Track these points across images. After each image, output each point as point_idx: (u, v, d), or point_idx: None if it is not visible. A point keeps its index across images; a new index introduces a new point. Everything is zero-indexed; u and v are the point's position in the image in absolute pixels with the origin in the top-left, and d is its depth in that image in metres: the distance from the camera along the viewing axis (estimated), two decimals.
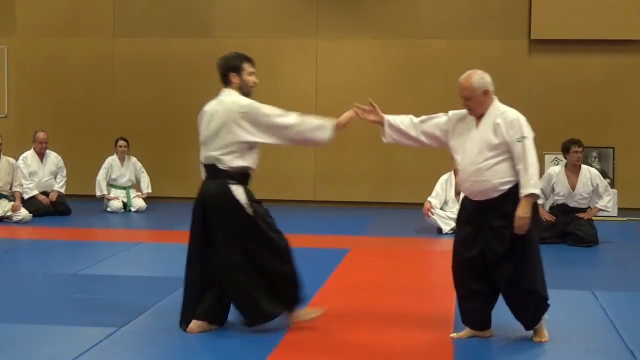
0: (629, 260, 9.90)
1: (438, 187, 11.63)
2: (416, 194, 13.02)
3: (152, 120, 14.74)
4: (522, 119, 6.14)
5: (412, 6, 14.23)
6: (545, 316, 6.05)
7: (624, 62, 13.88)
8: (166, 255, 9.69)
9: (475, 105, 6.24)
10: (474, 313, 6.08)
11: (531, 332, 6.06)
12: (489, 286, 6.02)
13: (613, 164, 13.61)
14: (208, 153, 6.48)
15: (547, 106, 13.89)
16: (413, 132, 6.50)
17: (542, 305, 6.03)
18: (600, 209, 10.73)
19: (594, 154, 13.60)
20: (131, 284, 7.91)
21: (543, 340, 6.00)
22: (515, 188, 5.88)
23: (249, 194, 6.33)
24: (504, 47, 14.00)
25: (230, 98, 6.62)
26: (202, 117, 6.70)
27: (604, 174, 13.39)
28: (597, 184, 10.66)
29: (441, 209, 11.50)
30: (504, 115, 6.14)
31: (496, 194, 5.92)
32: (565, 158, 10.81)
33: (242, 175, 6.38)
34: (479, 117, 6.21)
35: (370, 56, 14.32)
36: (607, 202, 10.68)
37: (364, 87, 14.23)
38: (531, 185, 5.82)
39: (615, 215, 13.06)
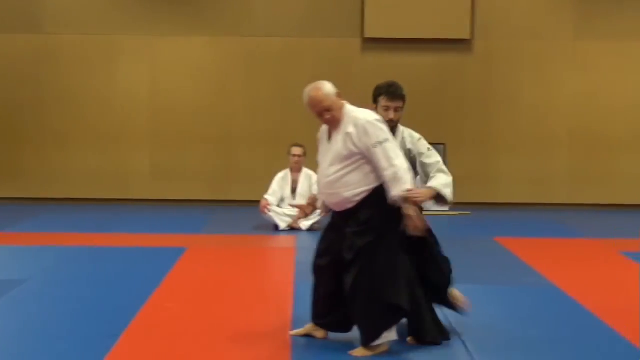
0: (459, 253, 10.10)
1: (274, 184, 11.68)
2: (253, 192, 13.02)
3: None
4: (373, 121, 5.93)
5: (246, 4, 14.20)
6: (392, 336, 5.76)
7: (453, 60, 14.26)
8: None
9: (337, 113, 5.96)
10: (322, 314, 6.01)
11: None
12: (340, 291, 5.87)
13: (444, 159, 13.92)
14: None
15: None
16: None
17: (385, 317, 5.74)
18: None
19: None
20: None
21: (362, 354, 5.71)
22: (371, 196, 5.74)
23: None
24: (338, 46, 14.15)
25: None
26: None
27: None
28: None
29: (278, 206, 11.55)
30: (355, 122, 5.90)
31: (350, 205, 5.79)
32: None
33: None
34: (335, 127, 5.94)
35: (206, 54, 14.22)
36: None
37: (200, 85, 14.14)
38: (402, 183, 5.68)
39: (446, 209, 13.39)
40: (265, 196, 11.51)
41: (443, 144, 14.00)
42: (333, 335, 6.03)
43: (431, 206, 11.22)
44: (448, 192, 6.22)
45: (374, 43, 14.17)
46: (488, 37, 14.21)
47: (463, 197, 13.98)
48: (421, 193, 6.00)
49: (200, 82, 14.16)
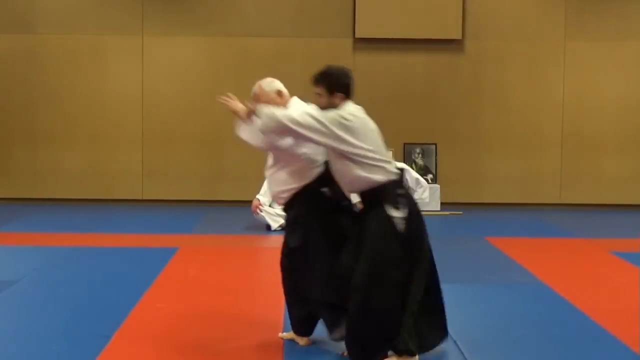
0: (450, 252, 10.17)
1: (266, 184, 11.67)
2: (244, 192, 13.03)
3: None
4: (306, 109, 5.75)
5: (237, 4, 14.20)
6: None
7: (444, 61, 14.28)
8: None
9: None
10: (293, 318, 6.05)
11: None
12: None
13: (435, 159, 13.99)
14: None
15: (371, 104, 13.97)
16: None
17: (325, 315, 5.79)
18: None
19: (418, 150, 13.96)
20: None
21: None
22: (296, 195, 5.80)
23: None
24: (330, 46, 14.15)
25: None
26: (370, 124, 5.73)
27: (427, 170, 13.78)
28: (407, 179, 10.90)
29: (270, 206, 11.55)
30: None
31: (281, 202, 5.96)
32: None
33: None
34: None
35: (197, 54, 14.22)
36: (422, 194, 10.92)
37: (191, 85, 14.13)
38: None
39: (438, 209, 13.44)
40: (257, 196, 11.51)
41: (434, 144, 14.04)
42: (325, 334, 6.05)
43: (426, 202, 11.30)
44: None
45: (365, 43, 14.19)
46: (479, 38, 14.24)
47: (454, 197, 14.09)
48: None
49: (191, 82, 14.14)
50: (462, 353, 5.76)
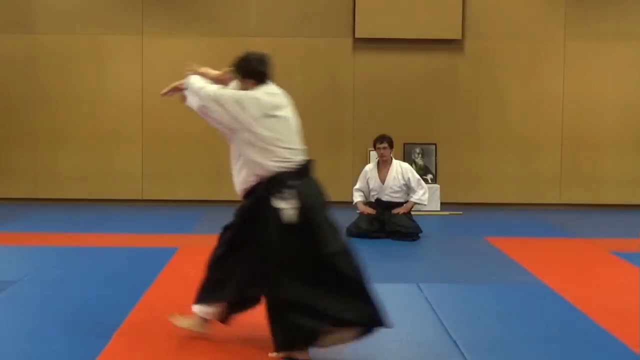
0: (450, 252, 10.20)
1: None
2: None
3: None
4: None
5: (237, 4, 14.21)
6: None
7: (444, 60, 14.29)
8: None
9: None
10: None
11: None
12: None
13: (435, 159, 14.00)
14: (299, 150, 5.80)
15: (371, 104, 14.17)
16: None
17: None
18: (416, 203, 11.01)
19: (417, 150, 13.97)
20: None
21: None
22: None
23: None
24: (330, 46, 14.17)
25: None
26: (283, 108, 5.82)
27: (427, 170, 13.78)
28: (409, 178, 10.96)
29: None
30: None
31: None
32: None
33: None
34: None
35: (197, 54, 14.18)
36: (422, 196, 10.96)
37: None
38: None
39: (438, 209, 13.45)
40: None
41: (434, 144, 14.05)
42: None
43: (425, 205, 11.35)
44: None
45: (365, 43, 14.20)
46: (479, 38, 14.25)
47: (454, 197, 14.10)
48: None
49: None
50: (462, 353, 5.76)
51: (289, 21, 14.21)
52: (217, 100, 5.65)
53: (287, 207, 5.49)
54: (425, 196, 11.06)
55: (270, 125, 5.60)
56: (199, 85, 5.82)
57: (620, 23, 14.27)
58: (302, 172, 5.70)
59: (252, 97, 5.64)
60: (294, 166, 5.64)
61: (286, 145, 5.63)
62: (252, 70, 5.81)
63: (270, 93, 5.77)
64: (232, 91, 5.73)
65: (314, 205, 5.61)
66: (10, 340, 6.00)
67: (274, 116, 5.65)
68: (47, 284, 7.88)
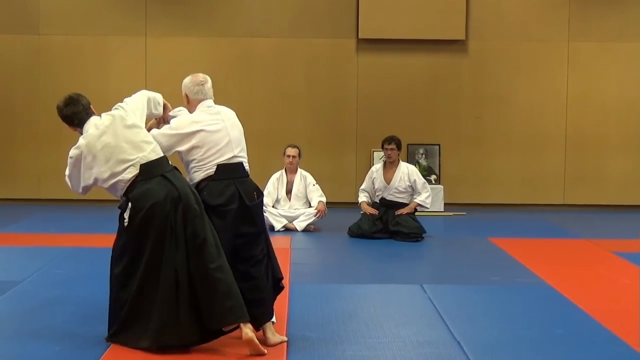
0: (454, 253, 10.21)
1: (270, 185, 11.67)
2: None
3: None
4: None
5: (240, 4, 14.20)
6: None
7: (447, 61, 14.27)
8: None
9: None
10: None
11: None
12: None
13: (439, 160, 13.99)
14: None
15: (375, 104, 14.16)
16: None
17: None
18: (419, 204, 11.03)
19: (421, 151, 13.96)
20: None
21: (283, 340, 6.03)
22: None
23: None
24: (333, 46, 14.16)
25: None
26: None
27: (431, 170, 13.78)
28: (415, 180, 10.99)
29: (273, 206, 11.55)
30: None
31: None
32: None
33: None
34: None
35: (200, 54, 14.20)
36: (425, 198, 10.99)
37: None
38: None
39: (442, 210, 13.45)
40: None
41: (438, 145, 14.04)
42: (329, 334, 6.05)
43: (428, 207, 11.37)
44: None
45: (368, 44, 14.18)
46: (482, 38, 14.23)
47: (458, 197, 14.09)
48: None
49: None
50: (465, 353, 5.77)
51: (291, 22, 14.20)
52: None
53: (126, 213, 6.15)
54: (429, 199, 11.09)
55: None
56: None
57: (624, 24, 14.25)
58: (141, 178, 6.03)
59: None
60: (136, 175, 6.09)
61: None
62: (62, 116, 6.82)
63: (97, 131, 6.63)
64: None
65: (150, 210, 5.91)
66: (14, 340, 6.01)
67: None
68: (51, 285, 7.88)
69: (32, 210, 13.29)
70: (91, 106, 6.34)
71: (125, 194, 6.12)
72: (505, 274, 8.74)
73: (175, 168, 6.03)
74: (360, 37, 14.09)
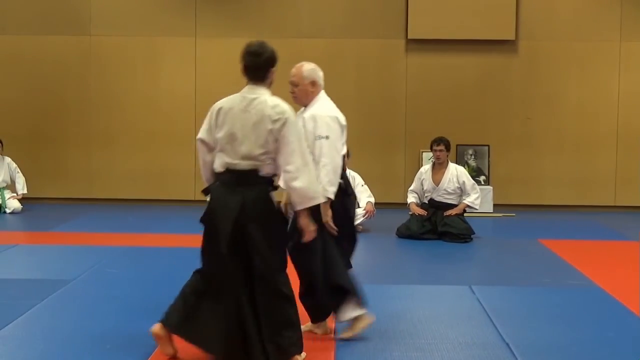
0: (503, 254, 10.15)
1: None
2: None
3: (26, 119, 14.37)
4: (327, 117, 6.06)
5: (291, 5, 14.25)
6: (357, 310, 6.08)
7: (497, 61, 14.19)
8: (43, 258, 9.48)
9: (300, 93, 6.32)
10: (307, 307, 6.26)
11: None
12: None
13: (488, 161, 13.91)
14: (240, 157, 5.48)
15: (424, 105, 14.13)
16: None
17: (337, 294, 6.08)
18: (468, 205, 10.99)
19: (470, 152, 13.90)
20: (7, 287, 7.72)
21: (348, 336, 6.11)
22: None
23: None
24: (382, 47, 14.15)
25: (266, 98, 5.82)
26: (221, 115, 5.81)
27: (480, 171, 13.71)
28: (464, 182, 10.95)
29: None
30: (312, 110, 6.13)
31: None
32: None
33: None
34: (300, 105, 6.31)
35: None
36: (474, 200, 10.95)
37: (243, 85, 14.14)
38: (321, 190, 5.71)
39: (491, 211, 13.38)
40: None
41: (487, 146, 13.97)
42: (377, 334, 6.05)
43: (477, 209, 11.33)
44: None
45: (418, 44, 14.15)
46: (533, 38, 14.13)
47: (507, 198, 14.00)
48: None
49: (243, 83, 14.09)
50: (514, 356, 5.73)
51: (341, 22, 14.22)
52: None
53: None
54: (478, 201, 11.05)
55: None
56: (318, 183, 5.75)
57: None
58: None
59: None
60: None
61: None
62: None
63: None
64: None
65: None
66: (65, 338, 6.07)
67: None
68: (102, 283, 7.97)
69: (83, 209, 13.45)
70: None
71: None
72: (555, 275, 8.67)
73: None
74: (409, 37, 14.07)
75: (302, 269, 6.09)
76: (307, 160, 5.41)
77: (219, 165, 5.52)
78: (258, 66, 5.98)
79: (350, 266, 6.26)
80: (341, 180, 6.09)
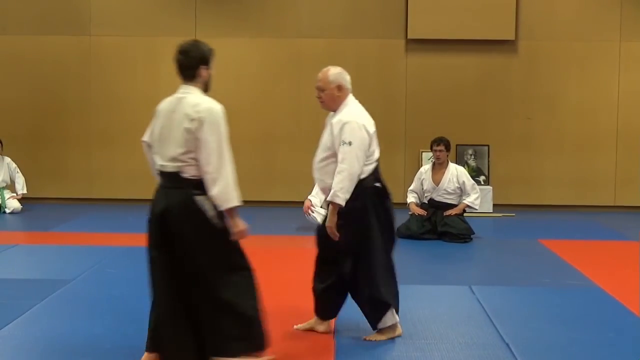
0: (503, 255, 10.15)
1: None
2: (295, 193, 13.08)
3: (25, 119, 14.37)
4: (354, 124, 6.04)
5: (291, 5, 14.25)
6: (393, 319, 6.11)
7: (497, 61, 14.19)
8: (43, 257, 9.49)
9: (326, 98, 6.24)
10: (321, 303, 6.28)
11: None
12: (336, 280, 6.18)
13: (488, 161, 13.91)
14: (167, 159, 5.39)
15: (424, 105, 14.13)
16: None
17: (380, 308, 6.08)
18: (468, 205, 10.99)
19: (470, 152, 13.90)
20: (7, 287, 7.72)
21: (375, 339, 6.10)
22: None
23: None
24: (382, 47, 14.15)
25: (191, 97, 5.54)
26: (156, 116, 5.64)
27: (480, 171, 13.71)
28: (464, 182, 10.96)
29: (321, 207, 11.54)
30: (340, 116, 6.08)
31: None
32: None
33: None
34: (327, 110, 6.31)
35: (250, 55, 14.28)
36: (474, 200, 10.97)
37: (244, 86, 14.19)
38: (332, 193, 5.84)
39: (491, 211, 13.38)
40: (309, 197, 11.51)
41: (487, 146, 13.97)
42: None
43: (477, 209, 11.34)
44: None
45: (417, 44, 14.16)
46: (532, 38, 14.14)
47: (507, 198, 14.00)
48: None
49: (244, 83, 14.20)
50: (514, 356, 5.74)
51: (341, 22, 14.22)
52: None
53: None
54: (478, 201, 11.06)
55: None
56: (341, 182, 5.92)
57: None
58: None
59: None
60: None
61: None
62: None
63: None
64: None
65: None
66: (65, 337, 6.08)
67: None
68: (102, 283, 7.98)
69: (83, 209, 13.45)
70: None
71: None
72: (555, 276, 8.67)
73: None
74: (409, 37, 14.07)
75: (359, 270, 6.05)
76: (224, 162, 5.34)
77: (157, 167, 5.50)
78: (187, 65, 5.76)
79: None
80: (378, 184, 6.09)
